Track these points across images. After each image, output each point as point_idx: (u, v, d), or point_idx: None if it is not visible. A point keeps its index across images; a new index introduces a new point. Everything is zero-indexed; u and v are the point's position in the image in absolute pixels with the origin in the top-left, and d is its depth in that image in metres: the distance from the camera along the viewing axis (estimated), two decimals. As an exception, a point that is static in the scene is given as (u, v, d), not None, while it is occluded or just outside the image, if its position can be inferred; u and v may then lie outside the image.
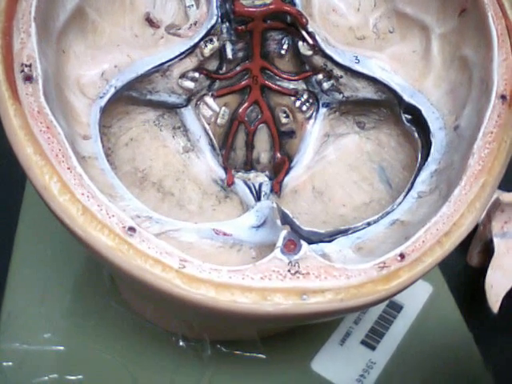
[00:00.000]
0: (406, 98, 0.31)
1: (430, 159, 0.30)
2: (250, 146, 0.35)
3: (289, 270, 0.23)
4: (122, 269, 0.22)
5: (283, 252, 0.23)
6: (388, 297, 0.24)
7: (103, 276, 0.36)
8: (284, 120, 0.34)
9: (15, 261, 0.36)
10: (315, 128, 0.34)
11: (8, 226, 0.38)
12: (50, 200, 0.22)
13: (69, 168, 0.23)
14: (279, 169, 0.34)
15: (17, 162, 0.23)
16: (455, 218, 0.26)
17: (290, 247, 0.23)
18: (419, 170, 0.30)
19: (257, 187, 0.33)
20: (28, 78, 0.24)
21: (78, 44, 0.29)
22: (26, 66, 0.24)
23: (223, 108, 0.33)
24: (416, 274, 0.24)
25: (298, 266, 0.23)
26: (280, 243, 0.24)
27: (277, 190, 0.33)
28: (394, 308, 0.38)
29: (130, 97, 0.30)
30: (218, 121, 0.33)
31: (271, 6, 0.31)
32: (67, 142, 0.23)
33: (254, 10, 0.31)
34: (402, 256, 0.24)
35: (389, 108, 0.33)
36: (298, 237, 0.24)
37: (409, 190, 0.29)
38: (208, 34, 0.31)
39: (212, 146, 0.33)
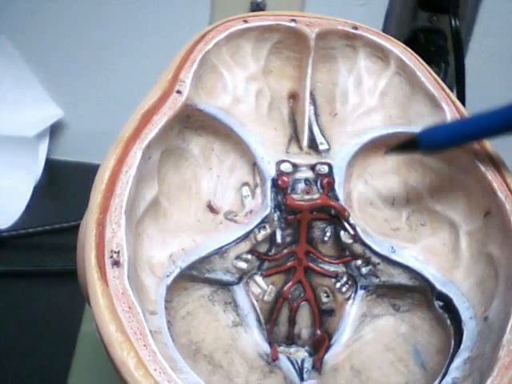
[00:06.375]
0: (438, 286, 0.34)
1: (462, 347, 0.32)
2: (292, 321, 0.37)
3: None
4: None
5: None
6: None
7: None
8: (325, 299, 0.37)
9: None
10: (353, 308, 0.37)
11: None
12: (126, 374, 0.25)
13: (145, 345, 0.26)
14: (319, 345, 0.36)
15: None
16: (489, 408, 0.28)
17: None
18: (453, 355, 0.32)
19: (299, 363, 0.35)
20: (116, 263, 0.28)
21: (151, 228, 0.33)
22: (115, 252, 0.28)
23: (270, 286, 0.37)
24: None
25: None
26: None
27: (318, 366, 0.35)
28: None
29: (190, 275, 0.34)
30: (265, 298, 0.37)
31: (318, 201, 0.36)
32: (144, 321, 0.26)
33: (302, 204, 0.36)
34: None
35: (422, 294, 0.36)
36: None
37: (444, 375, 0.31)
38: (262, 222, 0.36)
39: (259, 321, 0.36)
